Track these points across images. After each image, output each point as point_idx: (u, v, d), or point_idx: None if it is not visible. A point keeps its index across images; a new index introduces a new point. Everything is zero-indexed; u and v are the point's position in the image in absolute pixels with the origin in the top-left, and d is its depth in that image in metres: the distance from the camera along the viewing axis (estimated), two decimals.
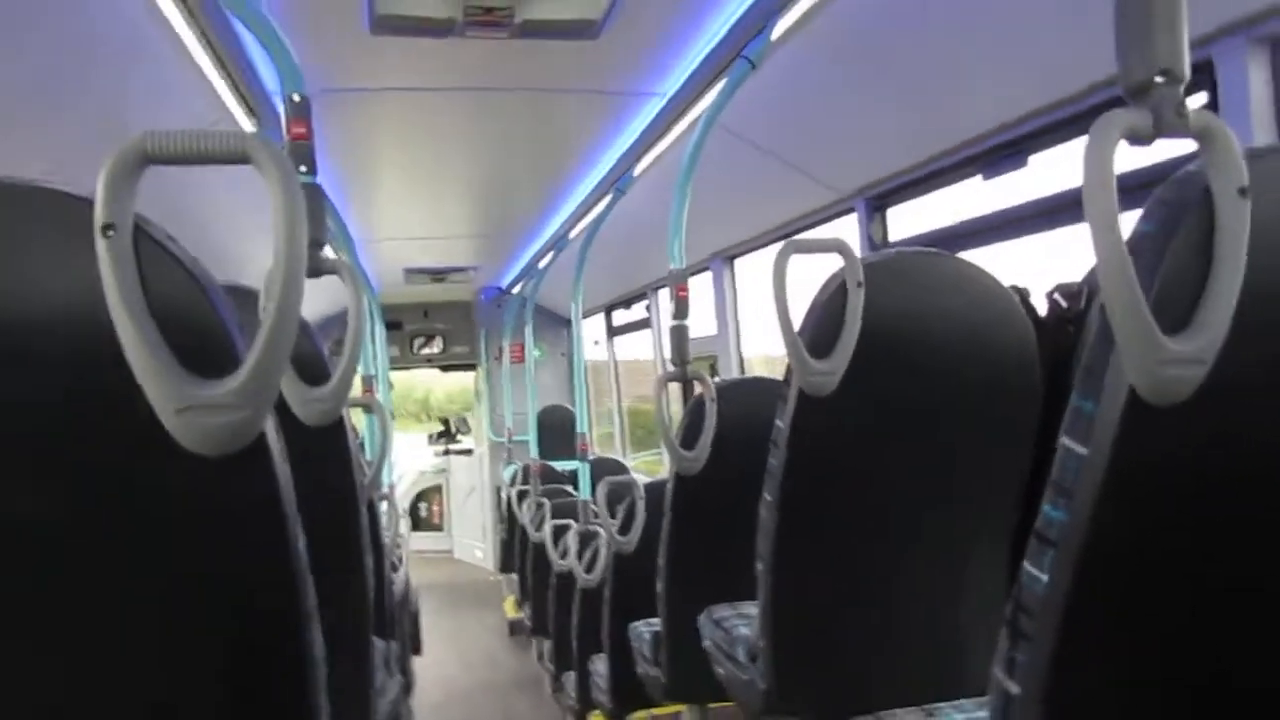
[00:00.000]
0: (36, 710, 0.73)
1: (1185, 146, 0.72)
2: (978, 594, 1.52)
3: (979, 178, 2.45)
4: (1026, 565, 0.82)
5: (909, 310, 1.43)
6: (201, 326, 0.67)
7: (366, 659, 1.50)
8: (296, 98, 1.42)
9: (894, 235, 2.98)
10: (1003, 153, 2.31)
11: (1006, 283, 1.47)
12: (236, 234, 3.52)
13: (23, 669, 0.72)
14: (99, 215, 0.63)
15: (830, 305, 1.40)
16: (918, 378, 1.43)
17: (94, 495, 0.69)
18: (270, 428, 0.71)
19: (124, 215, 0.64)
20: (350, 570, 1.46)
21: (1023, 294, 1.50)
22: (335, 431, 1.38)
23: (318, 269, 1.43)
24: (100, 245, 0.63)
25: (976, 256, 1.51)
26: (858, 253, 1.40)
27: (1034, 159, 2.26)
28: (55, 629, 0.71)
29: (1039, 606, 0.80)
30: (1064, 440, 0.78)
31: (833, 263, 1.42)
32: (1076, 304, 1.48)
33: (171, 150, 0.67)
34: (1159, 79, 0.72)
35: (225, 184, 2.99)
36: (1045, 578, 0.80)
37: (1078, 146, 1.85)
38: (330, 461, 1.39)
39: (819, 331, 1.41)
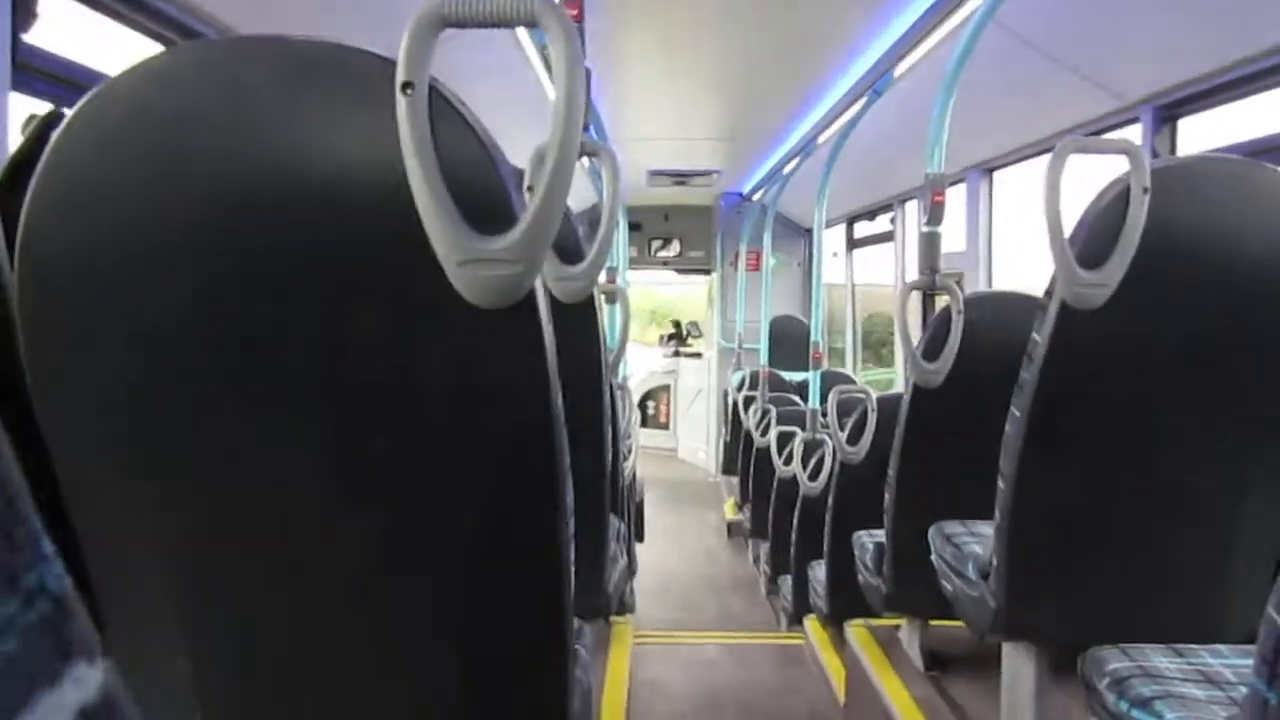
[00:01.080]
0: (308, 527, 0.82)
1: None
2: (1249, 535, 1.40)
3: None
4: None
5: (1201, 222, 1.29)
6: (484, 184, 0.71)
7: (604, 528, 1.58)
8: None
9: (1184, 152, 2.68)
10: None
11: None
12: (492, 114, 3.68)
13: (301, 515, 0.81)
14: (400, 73, 0.68)
15: (1108, 212, 1.29)
16: (1207, 297, 1.30)
17: (380, 342, 0.75)
18: (539, 287, 0.75)
19: (421, 75, 0.68)
20: (593, 444, 1.54)
21: None
22: (586, 309, 1.45)
23: (581, 150, 1.47)
24: (400, 102, 0.68)
25: None
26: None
27: None
28: (325, 470, 0.79)
29: None
30: None
31: (1110, 174, 1.30)
32: None
33: (467, 13, 0.70)
34: None
35: (480, 65, 3.12)
36: None
37: None
38: (581, 338, 1.46)
39: (1092, 240, 1.30)
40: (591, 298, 1.43)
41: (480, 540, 0.84)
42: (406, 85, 0.68)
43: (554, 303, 1.38)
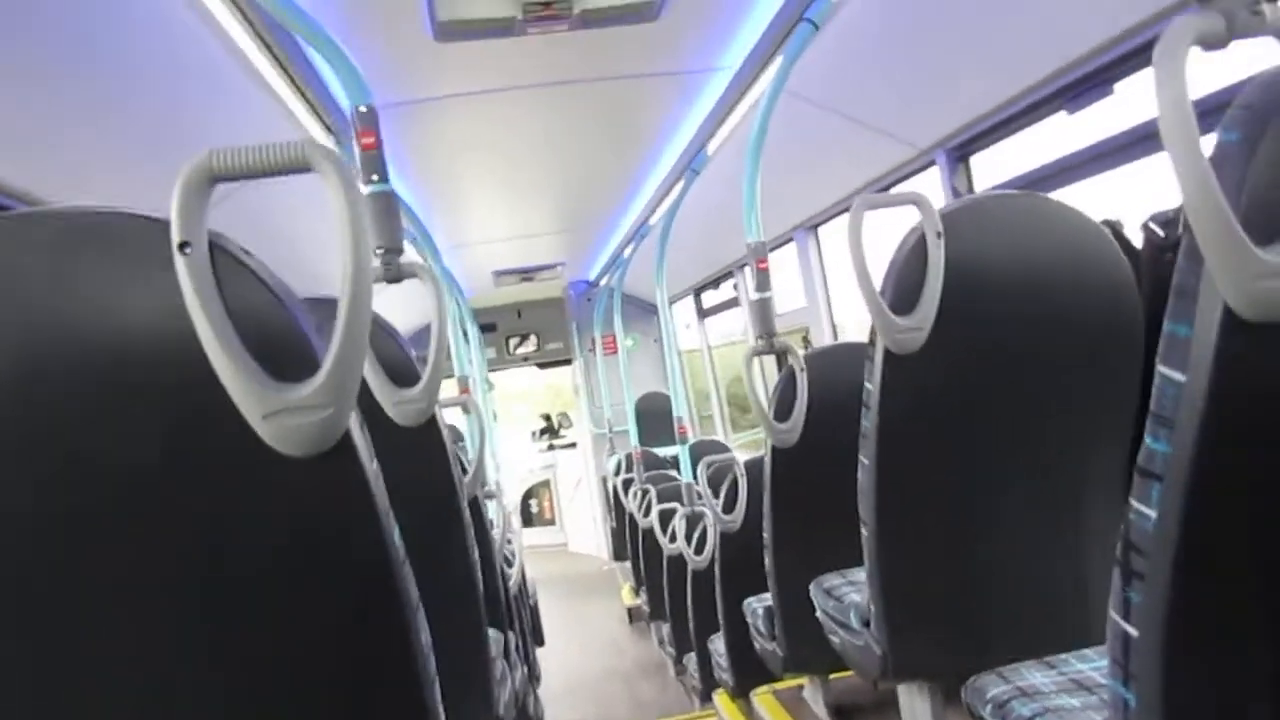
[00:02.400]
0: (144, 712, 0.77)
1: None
2: (1096, 539, 1.47)
3: (1062, 114, 2.36)
4: (1133, 502, 0.79)
5: (994, 256, 1.38)
6: (281, 333, 0.70)
7: (483, 650, 1.53)
8: (363, 108, 1.46)
9: (980, 185, 2.89)
10: (1086, 84, 2.21)
11: (1097, 218, 1.41)
12: (324, 247, 3.65)
13: (125, 674, 0.75)
14: (175, 234, 0.66)
15: (910, 259, 1.37)
16: (1010, 324, 1.39)
17: (193, 503, 0.72)
18: (355, 425, 0.74)
19: (198, 232, 0.67)
20: (456, 564, 1.50)
21: (1115, 227, 1.44)
22: (429, 431, 1.42)
23: (397, 274, 1.47)
24: (179, 262, 0.66)
25: (1070, 198, 1.45)
26: (943, 205, 1.36)
27: (1119, 87, 2.16)
28: (158, 636, 0.75)
29: (1150, 544, 0.77)
30: (1160, 369, 0.75)
31: (915, 219, 1.39)
32: (1174, 231, 1.42)
33: (236, 165, 0.69)
34: None
35: (310, 200, 3.10)
36: (1154, 513, 0.76)
37: None
38: (428, 460, 1.43)
39: (901, 287, 1.37)
40: (434, 417, 1.41)
41: (334, 691, 0.80)
42: (184, 245, 0.66)
43: (394, 428, 1.36)
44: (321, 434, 0.70)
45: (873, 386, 1.43)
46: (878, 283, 1.41)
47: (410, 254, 1.53)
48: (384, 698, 0.82)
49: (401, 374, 1.36)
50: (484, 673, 1.53)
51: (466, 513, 1.51)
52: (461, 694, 0.89)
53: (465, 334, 4.39)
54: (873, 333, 1.41)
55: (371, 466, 0.76)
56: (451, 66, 2.55)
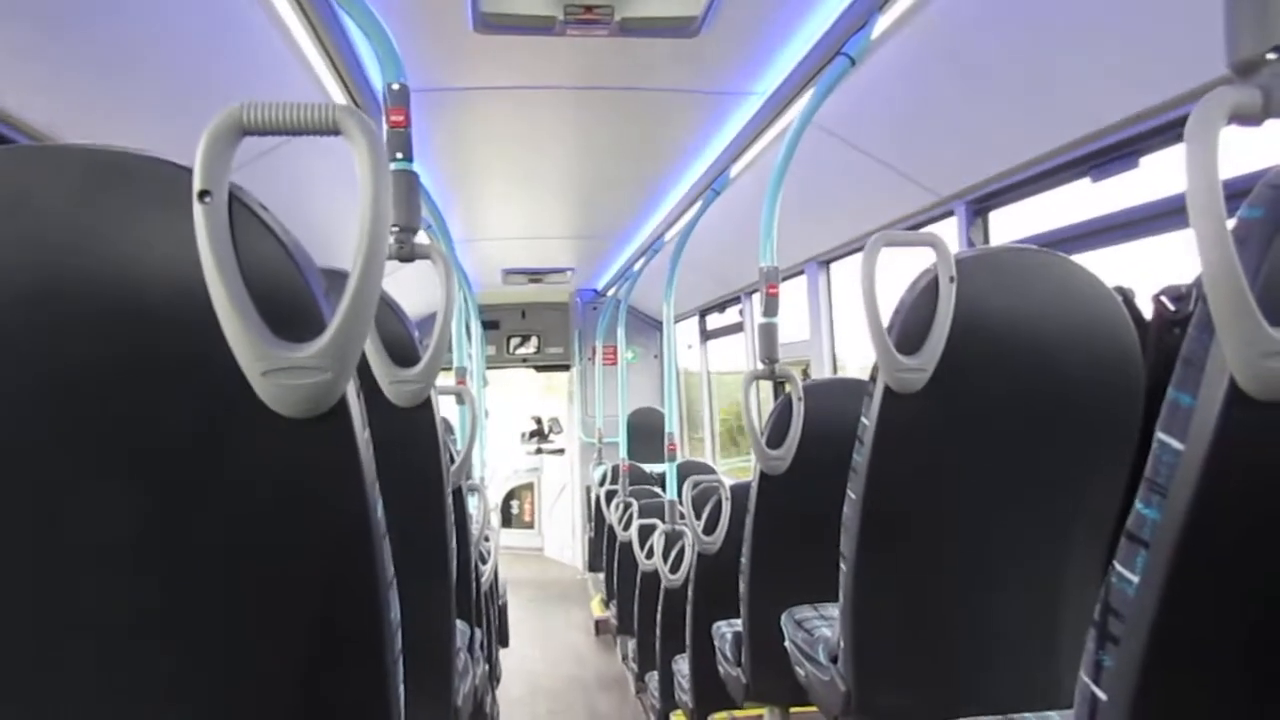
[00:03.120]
0: (114, 667, 0.76)
1: None
2: (1073, 601, 1.47)
3: (1087, 180, 2.37)
4: (1117, 566, 0.79)
5: (1004, 307, 1.39)
6: (290, 291, 0.70)
7: (448, 639, 1.53)
8: (395, 86, 1.46)
9: (996, 240, 2.90)
10: (1113, 154, 2.22)
11: (1110, 284, 1.42)
12: (339, 220, 3.65)
13: (99, 631, 0.75)
14: (197, 181, 0.66)
15: (920, 300, 1.37)
16: (1012, 377, 1.39)
17: (180, 456, 0.72)
18: (351, 393, 0.73)
19: (220, 183, 0.67)
20: (433, 550, 1.50)
21: (1127, 295, 1.44)
22: (423, 414, 1.42)
23: (411, 254, 1.47)
24: (197, 211, 0.66)
25: (1084, 262, 1.46)
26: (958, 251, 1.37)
27: (1146, 161, 2.17)
28: (132, 586, 0.74)
29: (1129, 609, 0.77)
30: (1160, 435, 0.75)
31: (927, 262, 1.39)
32: (1185, 306, 1.42)
33: (266, 120, 0.69)
34: (1271, 55, 0.69)
35: (330, 171, 3.11)
36: (1136, 579, 0.76)
37: None
38: (418, 442, 1.43)
39: (908, 327, 1.38)
40: (429, 400, 1.41)
41: (299, 660, 0.79)
42: (204, 193, 0.66)
43: (388, 406, 1.35)
44: (318, 396, 0.70)
45: (869, 422, 1.43)
46: (885, 321, 1.41)
47: (423, 239, 1.54)
48: (348, 668, 0.81)
49: (402, 353, 1.36)
50: (446, 661, 1.53)
51: (449, 500, 1.51)
52: (421, 678, 0.89)
53: (468, 328, 4.39)
54: (875, 369, 1.41)
55: (363, 436, 0.75)
56: (486, 58, 2.56)
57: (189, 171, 0.67)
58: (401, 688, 0.84)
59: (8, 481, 0.70)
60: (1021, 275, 1.41)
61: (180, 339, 0.69)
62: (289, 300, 0.70)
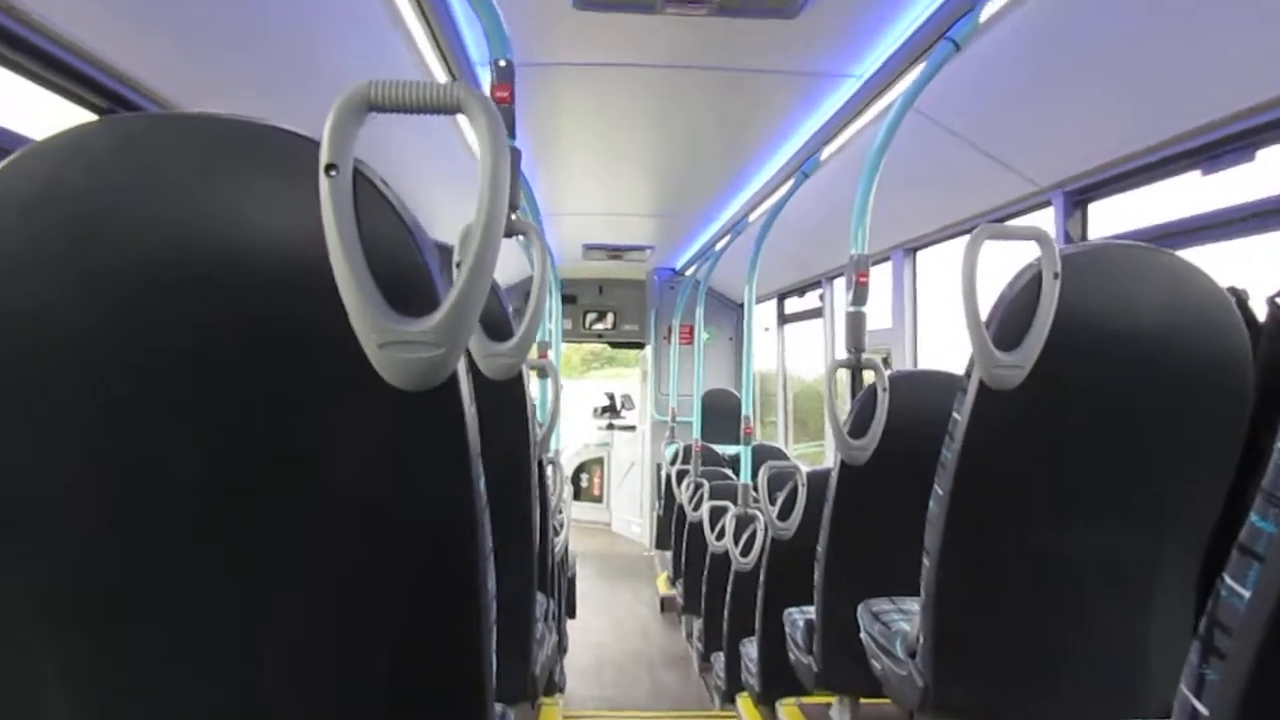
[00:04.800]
0: (216, 634, 0.79)
1: None
2: (1165, 608, 1.43)
3: (1197, 173, 2.27)
4: (1227, 579, 0.76)
5: (1109, 305, 1.35)
6: (408, 266, 0.71)
7: (529, 609, 1.55)
8: (502, 62, 1.47)
9: (1095, 233, 2.81)
10: (1227, 146, 2.12)
11: (1223, 283, 1.37)
12: (428, 191, 3.70)
13: (206, 592, 0.78)
14: (324, 155, 0.68)
15: (1022, 296, 1.34)
16: (1115, 376, 1.35)
17: (292, 423, 0.74)
18: (461, 367, 0.75)
19: (345, 157, 0.69)
20: (519, 523, 1.52)
21: (1240, 296, 1.39)
22: (514, 387, 1.44)
23: (509, 229, 1.49)
24: (323, 184, 0.68)
25: (1193, 259, 1.41)
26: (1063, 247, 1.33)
27: (1263, 154, 2.08)
28: (235, 551, 0.77)
29: (1238, 624, 0.74)
30: None
31: (1022, 257, 1.36)
32: None
33: (392, 98, 0.71)
34: None
35: (417, 144, 3.15)
36: (1247, 594, 0.74)
37: None
38: (508, 417, 1.45)
39: (1007, 322, 1.35)
40: (520, 374, 1.43)
41: (398, 626, 0.82)
42: (330, 167, 0.68)
43: (480, 379, 1.38)
44: (432, 370, 0.71)
45: (960, 417, 1.41)
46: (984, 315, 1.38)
47: None
48: (444, 636, 0.83)
49: (497, 327, 1.38)
50: (527, 630, 1.56)
51: (536, 473, 1.53)
52: (505, 646, 0.90)
53: (549, 301, 4.43)
54: (970, 363, 1.39)
55: (470, 410, 0.77)
56: (583, 35, 2.56)
57: (313, 143, 0.69)
58: (494, 655, 0.86)
59: (123, 445, 0.72)
60: (1129, 272, 1.36)
61: (299, 308, 0.71)
62: (407, 275, 0.71)
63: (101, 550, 0.75)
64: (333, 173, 0.68)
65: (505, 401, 1.42)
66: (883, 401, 2.00)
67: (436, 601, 0.82)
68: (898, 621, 1.76)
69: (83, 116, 1.85)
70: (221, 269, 0.69)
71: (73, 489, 0.73)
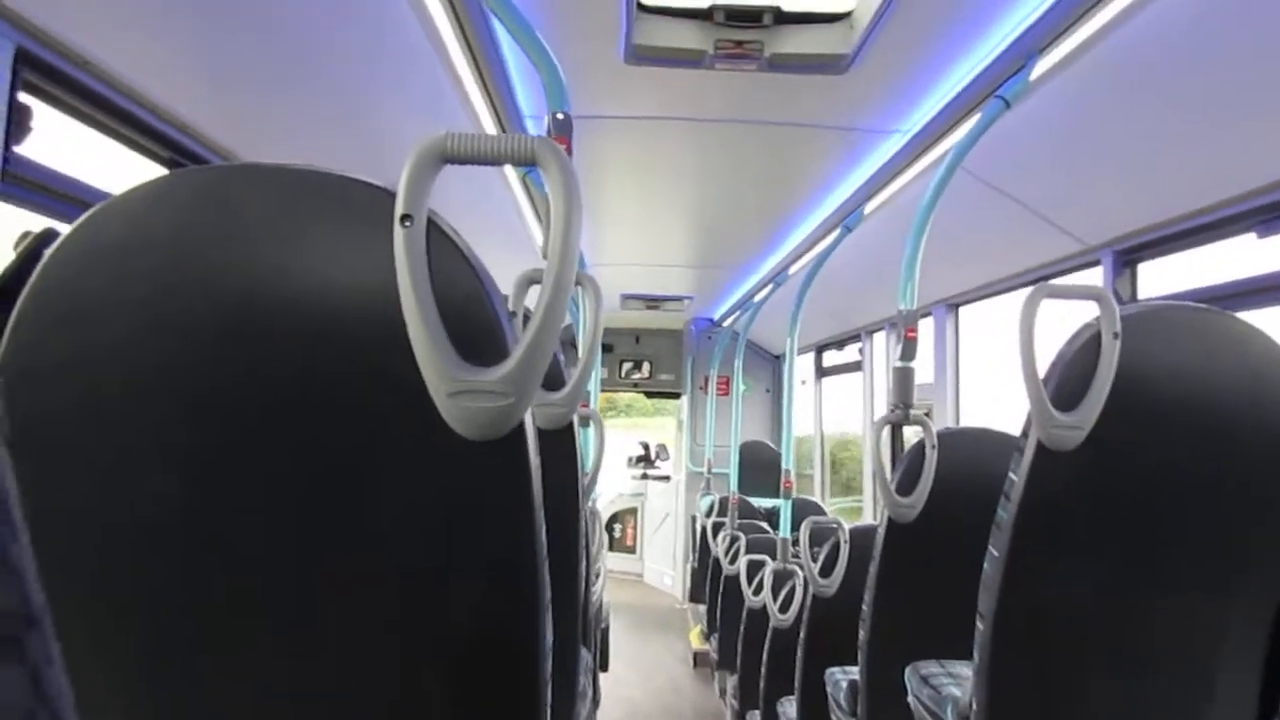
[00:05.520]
0: (273, 682, 0.79)
1: None
2: (1228, 684, 1.38)
3: (1252, 235, 2.24)
4: None
5: (1171, 367, 1.32)
6: (478, 316, 0.72)
7: (575, 661, 1.53)
8: (560, 115, 1.49)
9: (1143, 294, 2.77)
10: None
11: None
12: (473, 238, 3.73)
13: (265, 639, 0.77)
14: (400, 206, 0.69)
15: (1081, 356, 1.32)
16: (1176, 442, 1.32)
17: (361, 470, 0.74)
18: (529, 418, 0.75)
19: (420, 208, 0.70)
20: (569, 573, 1.51)
21: None
22: (565, 436, 1.44)
23: None
24: (398, 234, 0.69)
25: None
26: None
27: None
28: (297, 596, 0.77)
29: None
30: None
31: (1069, 319, 1.34)
32: None
33: (468, 150, 0.72)
34: None
35: (462, 194, 3.19)
36: None
37: None
38: (559, 465, 1.45)
39: (1066, 382, 1.33)
40: (571, 423, 1.43)
41: (456, 677, 0.81)
42: (405, 217, 0.69)
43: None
44: (500, 420, 0.71)
45: (1017, 478, 1.38)
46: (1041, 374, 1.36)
47: None
48: (502, 688, 0.82)
49: (550, 376, 1.38)
50: (571, 684, 1.53)
51: (584, 523, 1.52)
52: (552, 701, 0.89)
53: None
54: (1028, 423, 1.36)
55: (535, 460, 0.77)
56: (631, 89, 2.60)
57: (387, 194, 0.70)
58: (548, 711, 0.85)
59: (192, 490, 0.73)
60: (1191, 334, 1.34)
61: (372, 357, 0.71)
62: (477, 325, 0.72)
63: (164, 591, 0.75)
64: (408, 223, 0.69)
65: (558, 451, 1.42)
66: (931, 459, 1.98)
67: (495, 653, 0.81)
68: (947, 686, 1.71)
69: (147, 167, 1.90)
70: (297, 318, 0.70)
71: (136, 532, 0.74)
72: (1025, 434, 1.37)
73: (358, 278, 0.71)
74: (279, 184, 0.72)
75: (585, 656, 1.88)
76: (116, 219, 0.71)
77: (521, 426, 0.74)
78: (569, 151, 1.49)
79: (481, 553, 0.78)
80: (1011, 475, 1.40)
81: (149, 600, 0.75)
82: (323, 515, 0.75)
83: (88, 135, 1.74)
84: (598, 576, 3.40)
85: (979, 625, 1.46)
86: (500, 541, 0.78)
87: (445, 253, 0.71)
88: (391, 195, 0.70)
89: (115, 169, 1.86)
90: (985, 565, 1.44)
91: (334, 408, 0.73)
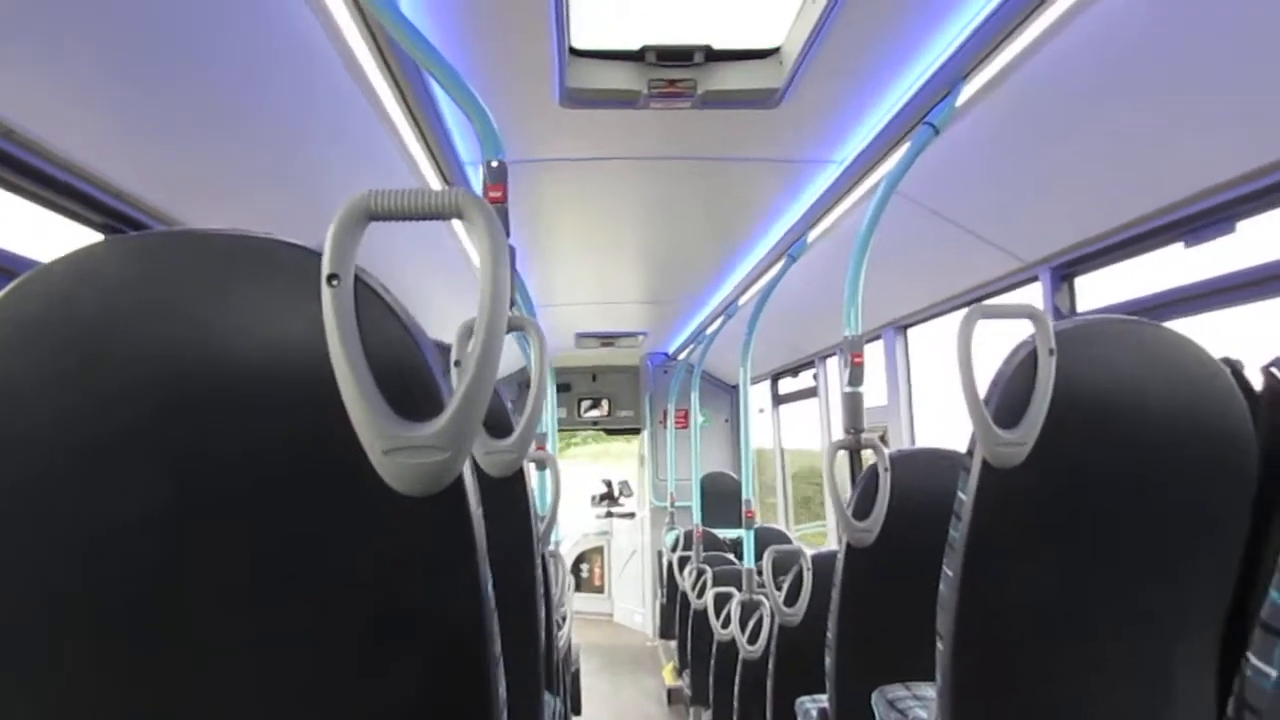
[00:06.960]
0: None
1: None
2: (1186, 691, 1.40)
3: (1179, 245, 2.31)
4: (1252, 659, 0.75)
5: (1106, 380, 1.35)
6: (410, 372, 0.71)
7: (539, 712, 1.51)
8: (495, 163, 1.50)
9: (1082, 306, 2.84)
10: (1208, 219, 2.17)
11: (1216, 355, 1.37)
12: (418, 287, 3.73)
13: (214, 700, 0.76)
14: (326, 265, 0.69)
15: (1019, 373, 1.34)
16: (1116, 451, 1.35)
17: (301, 534, 0.73)
18: (467, 470, 0.74)
19: (347, 266, 0.69)
20: (525, 621, 1.49)
21: (1235, 366, 1.39)
22: (516, 483, 1.43)
23: (507, 325, 1.50)
24: (325, 293, 0.68)
25: (1179, 329, 1.42)
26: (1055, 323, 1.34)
27: (1242, 225, 2.11)
28: (254, 658, 0.75)
29: (1266, 704, 0.73)
30: None
31: (1014, 333, 1.37)
32: None
33: (392, 207, 0.72)
34: None
35: (409, 243, 3.18)
36: (1274, 672, 0.72)
37: None
38: (510, 513, 1.44)
39: (1006, 400, 1.35)
40: (521, 469, 1.42)
41: None
42: (332, 277, 0.69)
43: (482, 477, 1.36)
44: (437, 476, 0.71)
45: (966, 497, 1.40)
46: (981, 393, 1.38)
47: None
48: None
49: (497, 424, 1.38)
50: None
51: (540, 569, 1.51)
52: None
53: None
54: (972, 442, 1.38)
55: (477, 511, 0.76)
56: (568, 131, 2.62)
57: (314, 255, 0.70)
58: None
59: (129, 561, 0.71)
60: (1124, 347, 1.37)
61: (308, 419, 0.70)
62: (410, 380, 0.71)
63: (108, 665, 0.73)
64: (335, 282, 0.69)
65: (507, 498, 1.41)
66: (885, 481, 1.99)
67: (446, 712, 0.80)
68: (914, 709, 1.71)
69: (81, 233, 1.87)
70: (230, 381, 0.70)
71: (73, 609, 0.72)
72: (970, 453, 1.39)
73: (289, 340, 0.70)
74: (204, 249, 0.72)
75: (553, 703, 1.86)
76: (39, 292, 0.69)
77: (460, 480, 0.73)
78: (504, 196, 1.49)
79: (428, 608, 0.77)
80: (960, 494, 1.42)
81: (81, 682, 0.73)
82: (265, 584, 0.74)
83: (18, 203, 1.72)
84: (564, 620, 3.36)
85: (939, 645, 1.47)
86: (445, 596, 0.77)
87: (374, 310, 0.71)
88: (318, 256, 0.70)
89: (52, 237, 1.83)
90: (940, 586, 1.45)
91: (272, 472, 0.72)
